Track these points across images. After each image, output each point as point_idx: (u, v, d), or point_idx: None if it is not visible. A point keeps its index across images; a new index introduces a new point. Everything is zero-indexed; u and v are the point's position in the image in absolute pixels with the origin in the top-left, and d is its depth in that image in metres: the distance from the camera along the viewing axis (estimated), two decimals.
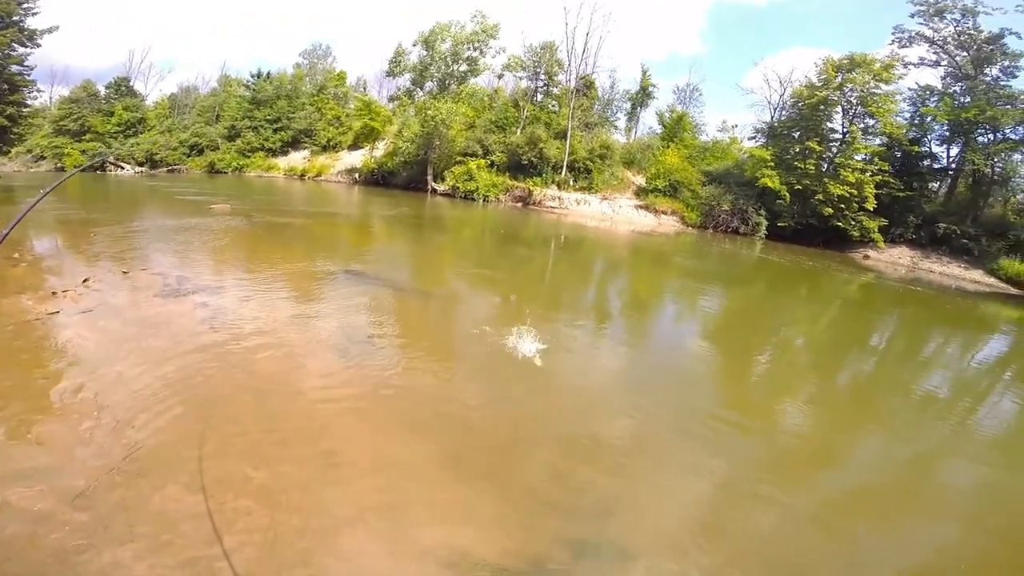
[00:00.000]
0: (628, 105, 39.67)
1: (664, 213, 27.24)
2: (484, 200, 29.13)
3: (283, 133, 42.86)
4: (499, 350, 7.64)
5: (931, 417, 7.06)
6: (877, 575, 3.88)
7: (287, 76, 45.75)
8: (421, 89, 40.27)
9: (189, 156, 43.38)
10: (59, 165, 42.04)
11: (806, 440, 5.74)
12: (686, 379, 7.28)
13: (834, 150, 25.74)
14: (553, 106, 35.82)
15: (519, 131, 32.83)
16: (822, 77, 24.93)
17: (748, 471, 4.91)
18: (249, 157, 41.86)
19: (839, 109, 25.52)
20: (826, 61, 24.81)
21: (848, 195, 23.35)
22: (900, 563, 4.02)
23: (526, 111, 34.29)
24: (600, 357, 7.71)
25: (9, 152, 26.61)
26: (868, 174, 23.54)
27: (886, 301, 15.41)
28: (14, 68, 22.37)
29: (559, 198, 28.45)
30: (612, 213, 27.68)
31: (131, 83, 50.62)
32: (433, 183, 31.56)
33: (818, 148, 24.93)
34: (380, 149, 37.41)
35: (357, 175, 36.60)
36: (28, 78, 24.79)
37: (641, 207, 27.95)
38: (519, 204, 28.75)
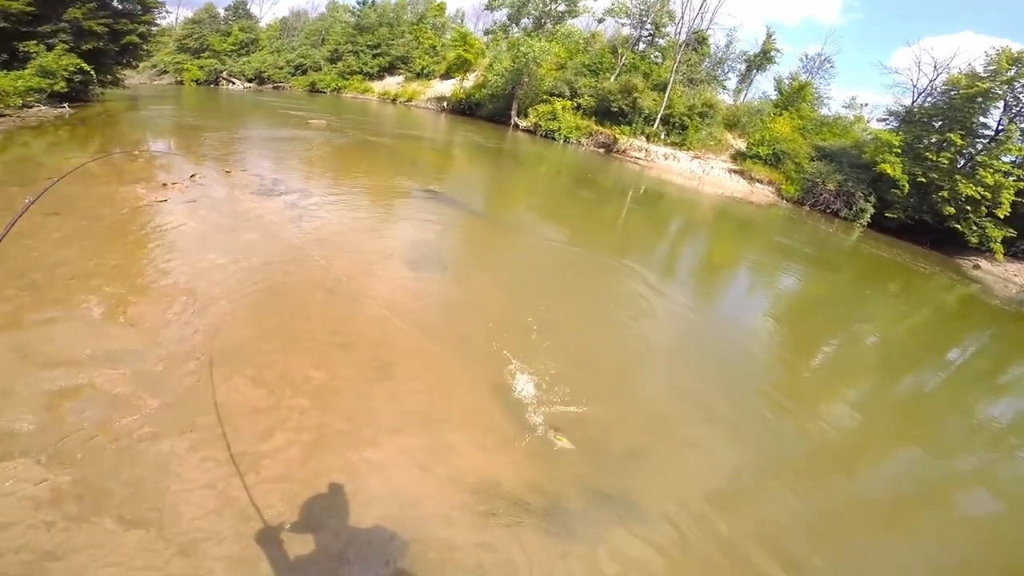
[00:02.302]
0: (743, 66, 36.11)
1: (759, 182, 25.14)
2: (565, 141, 28.39)
3: (381, 59, 43.85)
4: (559, 286, 7.72)
5: (979, 445, 6.17)
6: None
7: (390, 5, 46.17)
8: (516, 25, 39.48)
9: (293, 75, 45.75)
10: (179, 79, 45.79)
11: (839, 441, 5.28)
12: (737, 353, 6.85)
13: (978, 147, 22.16)
14: (656, 57, 33.46)
15: (613, 78, 31.18)
16: (990, 68, 21.21)
17: (770, 458, 4.68)
18: (347, 79, 43.45)
19: (1000, 104, 21.76)
20: (1001, 51, 20.98)
21: (979, 197, 20.29)
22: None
23: (624, 58, 32.33)
24: (657, 315, 7.47)
25: (137, 66, 29.10)
26: (1012, 179, 20.29)
27: (983, 317, 13.33)
28: None
29: (646, 150, 27.02)
30: (701, 173, 25.95)
31: (247, 6, 53.19)
32: (516, 118, 31.18)
33: (959, 142, 21.56)
34: (470, 80, 37.32)
35: (445, 103, 36.93)
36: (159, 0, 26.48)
37: (735, 172, 25.92)
38: (601, 150, 27.71)
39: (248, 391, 3.98)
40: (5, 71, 16.30)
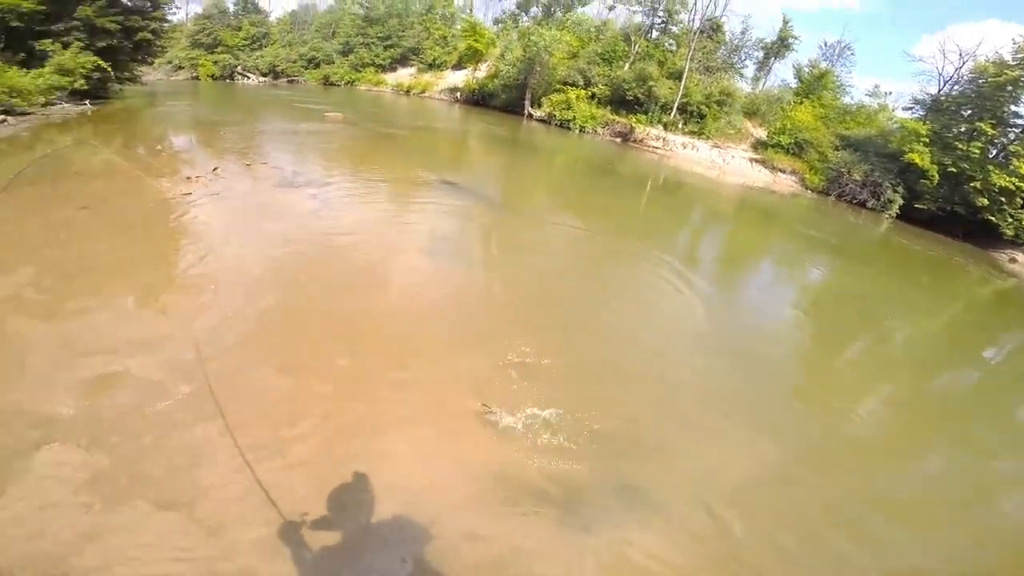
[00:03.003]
0: (760, 54, 35.31)
1: (782, 171, 24.57)
2: (580, 130, 28.00)
3: (392, 50, 43.66)
4: (581, 273, 7.60)
5: (1007, 447, 5.88)
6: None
7: None
8: (526, 14, 39.23)
9: (307, 69, 45.72)
10: (194, 75, 46.08)
11: (858, 435, 5.10)
12: (759, 346, 6.61)
13: (1011, 136, 21.40)
14: (670, 45, 32.93)
15: (627, 66, 30.70)
16: (1019, 56, 20.41)
17: (786, 448, 4.54)
18: (360, 72, 43.34)
19: None
20: None
21: (1014, 188, 19.58)
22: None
23: (637, 46, 31.83)
24: (683, 302, 7.31)
25: (152, 63, 29.41)
26: None
27: (1021, 313, 12.93)
28: None
29: (663, 139, 26.55)
30: (721, 162, 25.45)
31: (256, 0, 53.09)
32: (530, 108, 30.84)
33: (991, 131, 20.81)
34: (482, 71, 37.02)
35: (458, 94, 36.66)
36: None
37: (756, 161, 25.37)
38: (617, 139, 27.29)
39: (276, 379, 4.06)
40: (25, 70, 16.49)
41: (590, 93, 29.64)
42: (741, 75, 34.85)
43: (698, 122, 27.44)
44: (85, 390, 3.69)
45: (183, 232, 6.94)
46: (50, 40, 18.21)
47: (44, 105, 15.93)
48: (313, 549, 2.78)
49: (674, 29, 33.63)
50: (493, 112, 32.06)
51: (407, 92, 39.59)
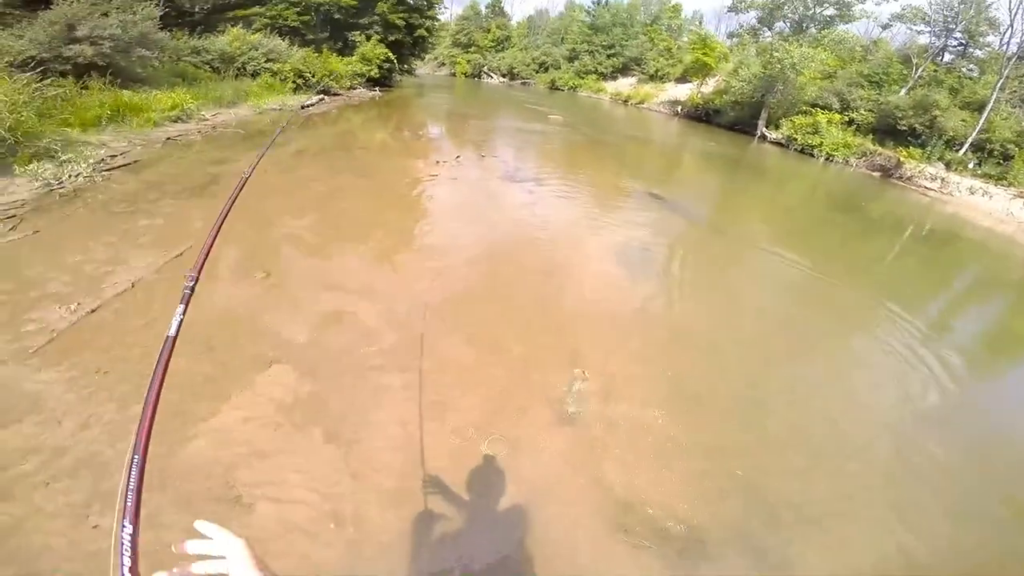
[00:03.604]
0: None
1: None
2: (827, 159, 24.05)
3: (615, 59, 44.32)
4: (788, 314, 6.36)
5: None
6: None
7: (623, 5, 46.44)
8: (769, 28, 35.26)
9: (537, 72, 49.53)
10: (452, 71, 53.63)
11: None
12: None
13: None
14: (970, 70, 26.12)
15: (904, 91, 25.34)
16: None
17: None
18: (583, 78, 45.07)
19: None
20: None
21: None
22: None
23: (921, 70, 26.02)
24: (916, 386, 5.39)
25: (423, 58, 34.60)
26: None
27: None
28: None
29: (942, 179, 21.13)
30: (1021, 216, 19.21)
31: (502, 3, 59.01)
32: (764, 128, 27.74)
33: None
34: (709, 85, 34.75)
35: (679, 108, 35.13)
36: None
37: None
38: (876, 173, 22.66)
39: (462, 348, 4.32)
40: (340, 57, 21.24)
41: (847, 118, 25.32)
42: None
43: (999, 164, 21.14)
44: (319, 322, 4.35)
45: (426, 207, 8.21)
46: (358, 32, 23.07)
47: (349, 88, 20.34)
48: (427, 516, 2.81)
49: (977, 53, 26.63)
50: (717, 129, 29.89)
51: (625, 101, 39.61)
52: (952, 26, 26.38)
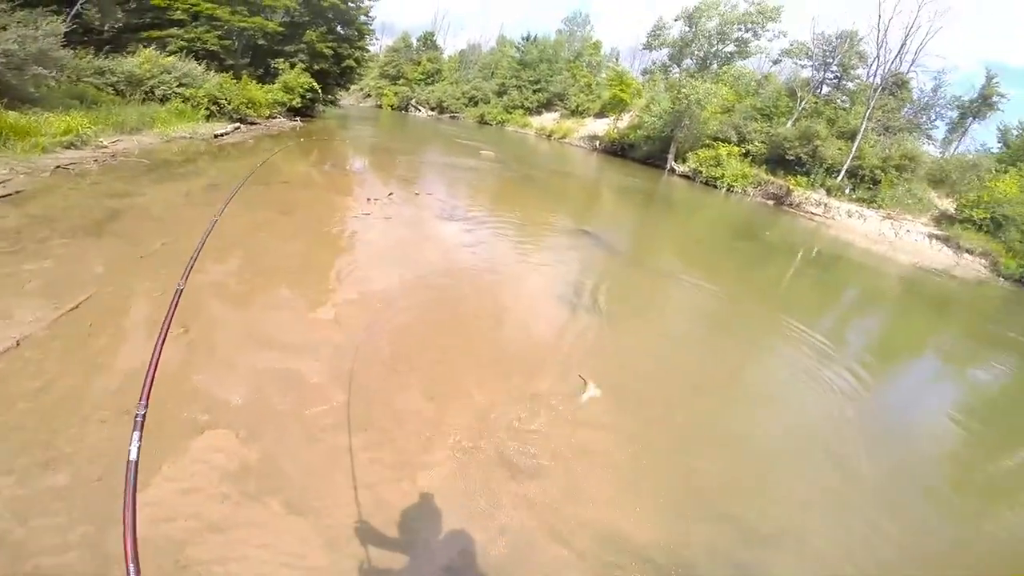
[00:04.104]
0: (955, 114, 30.93)
1: (969, 252, 20.72)
2: (728, 189, 26.59)
3: (540, 94, 46.31)
4: (711, 337, 7.04)
5: None
6: None
7: (550, 41, 48.68)
8: (678, 65, 38.75)
9: (467, 106, 50.45)
10: (378, 103, 53.21)
11: None
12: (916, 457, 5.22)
13: None
14: (843, 101, 30.35)
15: (790, 123, 28.83)
16: None
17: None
18: (511, 113, 46.58)
19: None
20: None
21: None
22: None
23: (804, 102, 29.84)
24: (821, 387, 6.21)
25: (349, 88, 34.04)
26: None
27: None
28: (362, 18, 26.95)
29: (825, 204, 24.11)
30: (893, 236, 22.29)
31: (435, 38, 60.27)
32: (673, 162, 30.21)
33: None
34: (624, 120, 37.39)
35: (598, 143, 37.39)
36: (370, 27, 28.82)
37: (937, 238, 21.79)
38: (770, 201, 25.39)
39: (419, 404, 4.14)
40: (260, 84, 20.46)
41: (744, 150, 28.21)
42: (929, 137, 30.73)
43: (870, 188, 24.48)
44: (257, 382, 3.99)
45: (361, 247, 7.77)
46: (282, 59, 22.37)
47: (268, 117, 19.60)
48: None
49: (849, 85, 31.04)
50: (632, 163, 32.05)
51: (549, 136, 41.49)
52: (830, 60, 30.56)
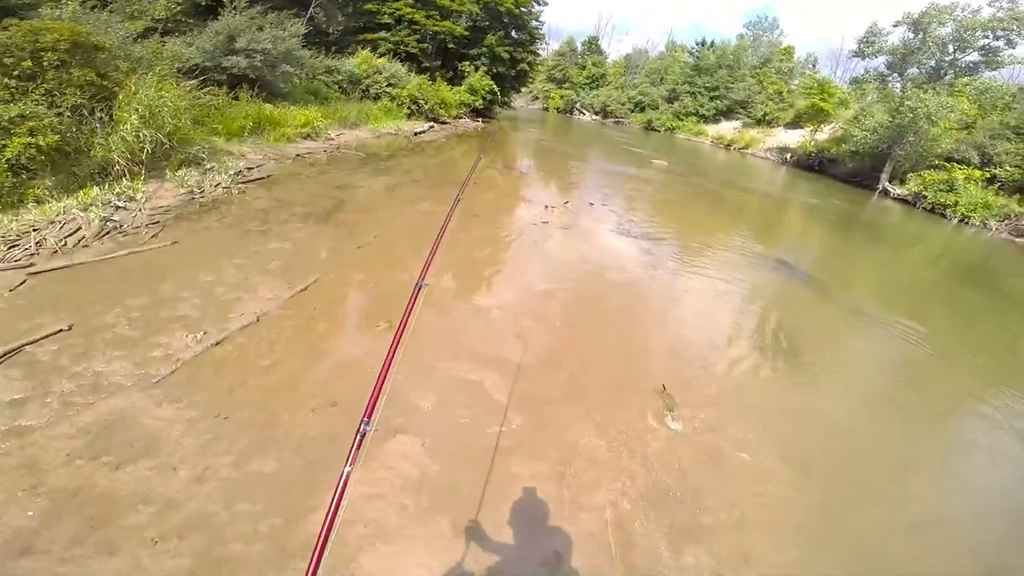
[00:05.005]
0: None
1: None
2: (962, 220, 21.04)
3: (718, 102, 42.67)
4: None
5: None
6: None
7: (730, 46, 44.58)
8: (900, 75, 32.19)
9: (632, 112, 48.89)
10: (545, 106, 54.55)
11: None
12: None
13: None
14: None
15: None
16: None
17: None
18: (682, 120, 43.78)
19: None
20: None
21: None
22: None
23: None
24: None
25: (520, 91, 35.27)
26: None
27: None
28: (533, 23, 27.81)
29: None
30: None
31: (599, 42, 59.50)
32: (888, 183, 25.00)
33: None
34: (824, 132, 32.31)
35: (788, 155, 32.85)
36: (541, 32, 29.76)
37: None
38: (1019, 239, 19.43)
39: (592, 437, 3.74)
40: (449, 85, 21.95)
41: (989, 175, 22.18)
42: None
43: None
44: (448, 390, 3.90)
45: (544, 261, 7.32)
46: (467, 62, 23.83)
47: (455, 117, 20.94)
48: None
49: None
50: (831, 180, 27.47)
51: (727, 146, 37.81)
52: None
